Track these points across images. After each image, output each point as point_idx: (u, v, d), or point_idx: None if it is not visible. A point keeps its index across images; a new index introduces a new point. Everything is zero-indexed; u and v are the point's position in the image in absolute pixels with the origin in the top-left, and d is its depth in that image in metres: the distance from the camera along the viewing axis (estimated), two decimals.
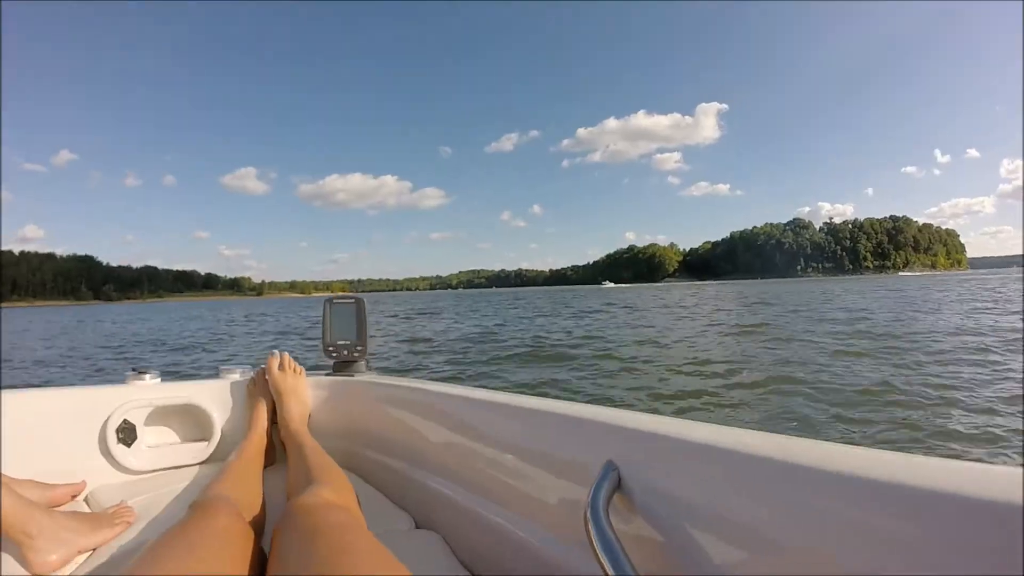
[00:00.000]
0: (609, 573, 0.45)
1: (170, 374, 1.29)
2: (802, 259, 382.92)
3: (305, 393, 1.33)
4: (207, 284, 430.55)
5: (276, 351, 1.37)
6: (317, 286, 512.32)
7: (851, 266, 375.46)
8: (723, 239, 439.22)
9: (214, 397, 1.32)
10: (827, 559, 0.39)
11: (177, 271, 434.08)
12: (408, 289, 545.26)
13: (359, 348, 1.41)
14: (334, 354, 1.42)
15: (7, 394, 1.09)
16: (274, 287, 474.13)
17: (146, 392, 1.24)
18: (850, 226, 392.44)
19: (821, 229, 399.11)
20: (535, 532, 0.72)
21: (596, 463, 0.59)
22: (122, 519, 0.94)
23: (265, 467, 1.13)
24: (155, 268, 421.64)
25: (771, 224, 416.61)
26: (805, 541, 0.41)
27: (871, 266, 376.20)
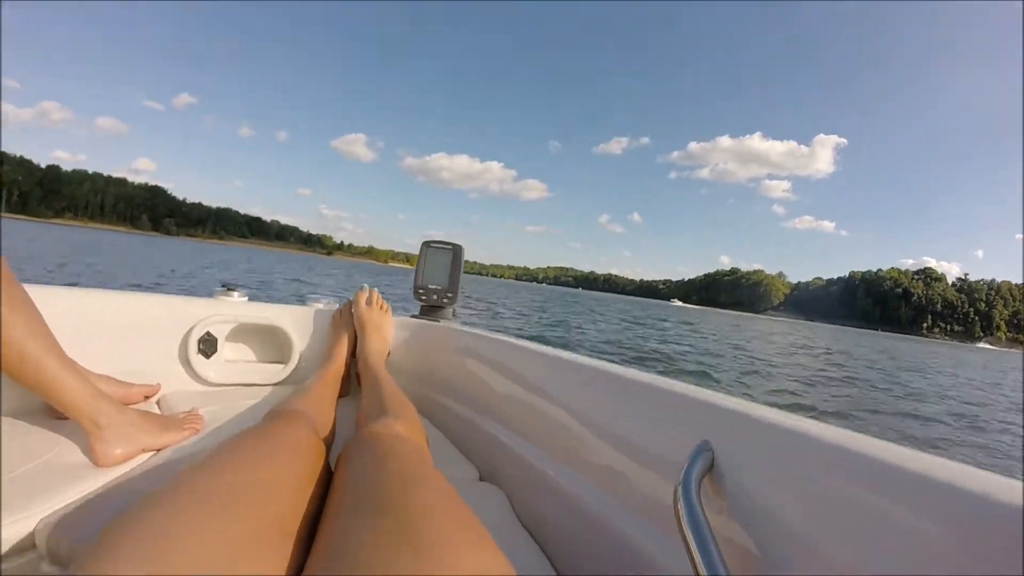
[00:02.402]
0: (695, 554, 0.43)
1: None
2: (930, 315, 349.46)
3: (388, 331, 1.33)
4: (279, 235, 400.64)
5: (365, 285, 1.36)
6: (396, 256, 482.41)
7: (982, 333, 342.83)
8: (839, 277, 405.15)
9: (297, 322, 1.33)
10: None
11: (251, 216, 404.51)
12: (494, 276, 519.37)
13: (449, 295, 1.40)
14: (423, 297, 1.41)
15: (101, 292, 1.12)
16: (350, 250, 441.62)
17: (232, 308, 1.26)
18: (986, 287, 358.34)
19: (953, 284, 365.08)
20: (603, 500, 0.69)
21: (683, 442, 0.56)
22: (191, 425, 0.96)
23: (339, 397, 1.14)
24: (229, 210, 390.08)
25: (899, 270, 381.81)
26: (903, 558, 0.38)
27: (1003, 337, 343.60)
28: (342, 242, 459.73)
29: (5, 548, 0.62)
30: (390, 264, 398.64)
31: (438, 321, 1.39)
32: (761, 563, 0.47)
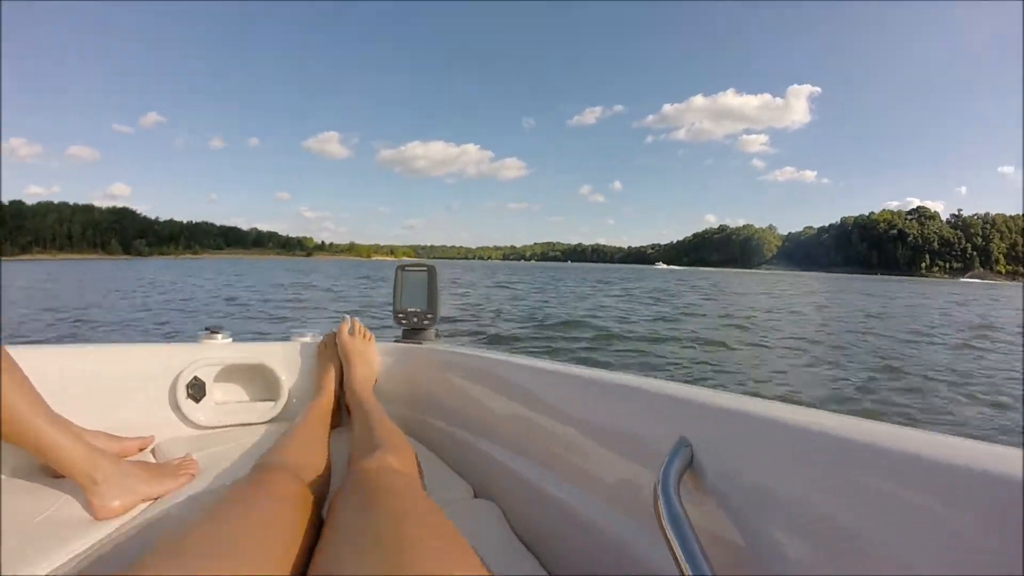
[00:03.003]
0: (677, 552, 0.42)
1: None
2: (927, 255, 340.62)
3: (373, 358, 1.34)
4: (257, 242, 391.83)
5: (347, 316, 1.37)
6: (379, 250, 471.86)
7: (981, 268, 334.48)
8: (831, 225, 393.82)
9: (284, 358, 1.33)
10: (910, 560, 0.36)
11: (227, 227, 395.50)
12: (480, 258, 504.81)
13: (429, 316, 1.40)
14: (403, 321, 1.42)
15: (85, 347, 1.13)
16: (332, 249, 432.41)
17: (217, 351, 1.26)
18: (981, 221, 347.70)
19: (948, 221, 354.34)
20: (595, 506, 0.70)
21: (665, 439, 0.56)
22: (186, 471, 0.96)
23: (331, 429, 1.14)
24: (203, 223, 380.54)
25: (891, 211, 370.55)
26: (888, 539, 0.37)
27: (1003, 271, 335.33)
28: (323, 242, 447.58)
29: None
30: (373, 258, 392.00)
31: (421, 343, 1.40)
32: (748, 557, 0.46)
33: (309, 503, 0.65)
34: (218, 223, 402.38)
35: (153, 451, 1.11)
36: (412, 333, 1.43)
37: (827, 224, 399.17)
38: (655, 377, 0.70)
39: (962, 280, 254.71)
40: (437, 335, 1.45)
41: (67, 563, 0.68)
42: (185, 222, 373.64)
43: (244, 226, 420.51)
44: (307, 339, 1.40)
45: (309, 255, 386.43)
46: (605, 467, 0.70)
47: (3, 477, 0.92)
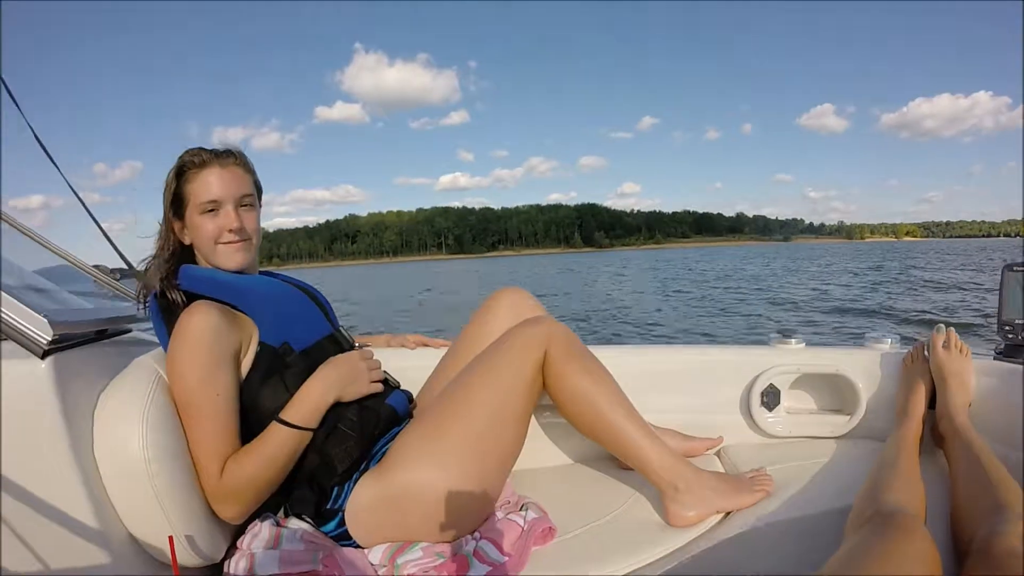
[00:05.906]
0: None
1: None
2: None
3: (970, 379, 1.13)
4: (733, 228, 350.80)
5: (942, 326, 1.18)
6: (878, 229, 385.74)
7: None
8: None
9: (861, 368, 1.22)
10: None
11: (700, 214, 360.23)
12: (1007, 235, 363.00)
13: None
14: (1010, 335, 1.16)
15: (664, 347, 1.21)
16: (823, 230, 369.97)
17: (792, 357, 1.22)
18: None
19: None
20: None
21: None
22: (761, 487, 0.95)
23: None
24: (678, 213, 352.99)
25: None
26: None
27: None
28: (811, 223, 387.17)
29: None
30: (867, 239, 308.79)
31: None
32: None
33: (939, 567, 0.58)
34: (715, 212, 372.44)
35: (719, 454, 1.12)
36: (1015, 350, 1.16)
37: None
38: None
39: None
40: None
41: (645, 567, 0.70)
42: (653, 212, 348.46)
43: (747, 211, 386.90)
44: (886, 347, 1.26)
45: (786, 240, 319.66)
46: None
47: (572, 462, 1.03)
